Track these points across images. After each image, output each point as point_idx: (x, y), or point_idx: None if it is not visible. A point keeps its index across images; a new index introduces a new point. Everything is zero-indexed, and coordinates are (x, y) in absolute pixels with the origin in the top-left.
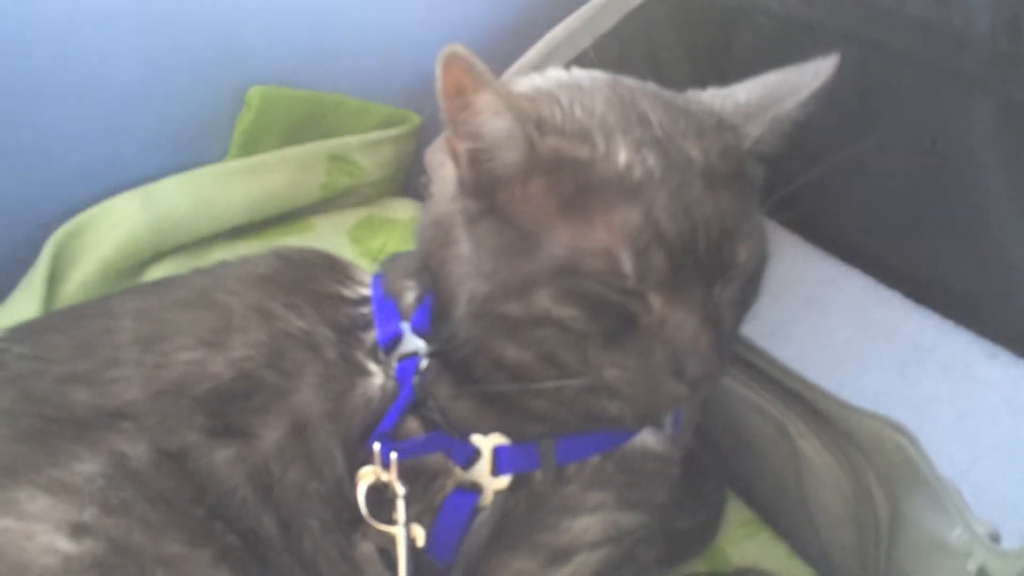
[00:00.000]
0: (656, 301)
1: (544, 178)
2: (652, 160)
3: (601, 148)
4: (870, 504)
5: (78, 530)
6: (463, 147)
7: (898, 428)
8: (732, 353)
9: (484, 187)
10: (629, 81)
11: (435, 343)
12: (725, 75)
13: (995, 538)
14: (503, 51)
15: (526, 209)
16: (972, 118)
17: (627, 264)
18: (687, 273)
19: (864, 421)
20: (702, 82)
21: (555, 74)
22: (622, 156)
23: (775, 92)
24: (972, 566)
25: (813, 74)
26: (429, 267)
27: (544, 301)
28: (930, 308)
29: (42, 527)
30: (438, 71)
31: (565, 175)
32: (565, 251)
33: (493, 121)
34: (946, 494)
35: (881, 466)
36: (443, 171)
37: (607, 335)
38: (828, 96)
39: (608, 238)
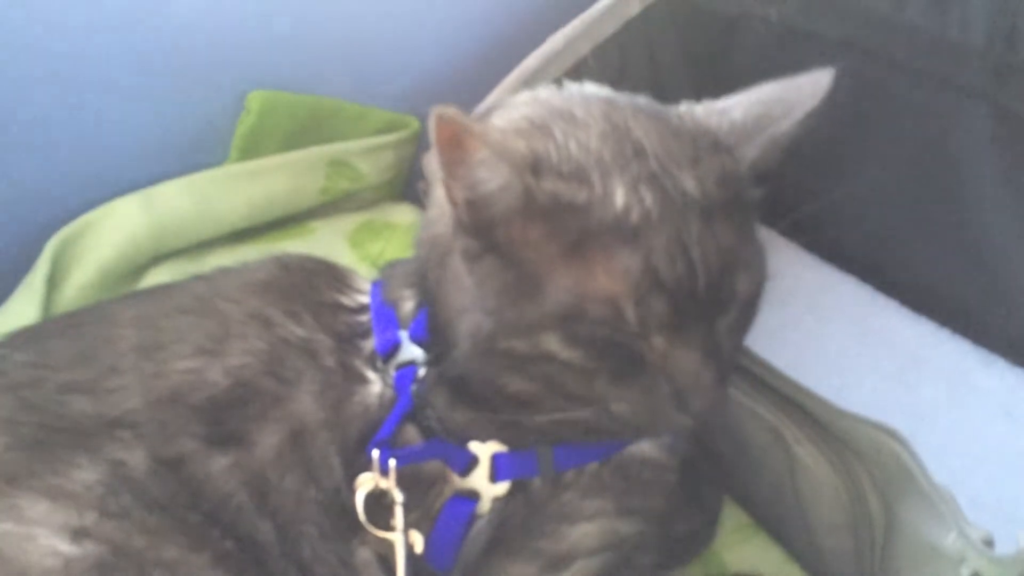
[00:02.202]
0: (658, 341)
1: (543, 223)
2: (649, 199)
3: (599, 189)
4: (866, 510)
5: (78, 533)
6: (461, 196)
7: (893, 434)
8: (732, 375)
9: (484, 229)
10: (623, 101)
11: (432, 353)
12: (724, 83)
13: (989, 544)
14: (502, 58)
15: (527, 252)
16: (969, 127)
17: (629, 311)
18: (688, 313)
19: (860, 427)
20: (701, 89)
21: (547, 97)
22: (619, 197)
23: (771, 110)
24: (966, 572)
25: (810, 91)
26: (426, 283)
27: (551, 344)
28: (927, 316)
29: (43, 531)
30: (431, 129)
31: (564, 220)
32: (569, 297)
33: (489, 174)
34: (941, 500)
35: (877, 472)
36: (440, 191)
37: (613, 372)
38: (825, 104)
39: (610, 285)
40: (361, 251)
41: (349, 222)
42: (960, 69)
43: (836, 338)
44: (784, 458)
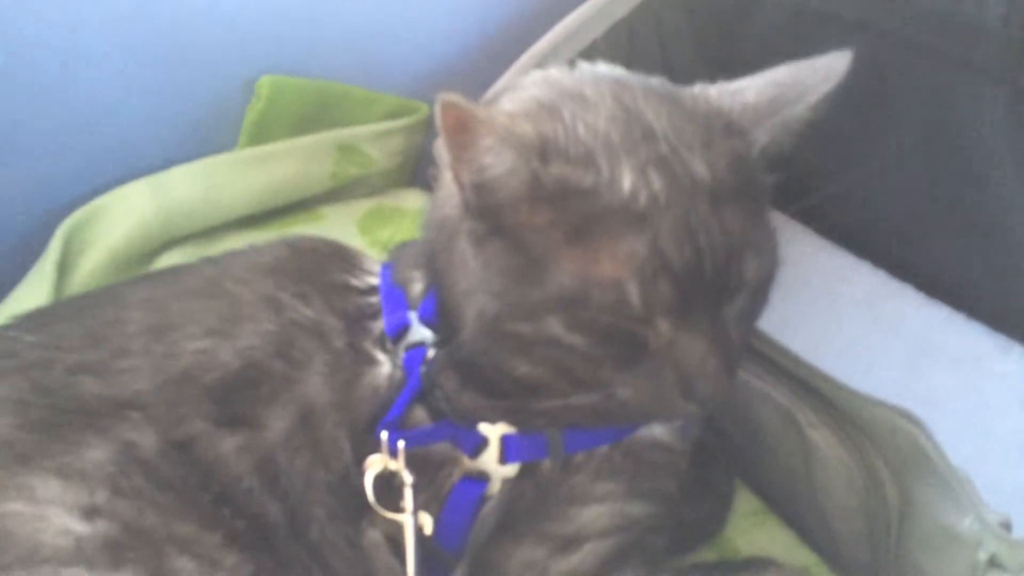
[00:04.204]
0: (664, 326)
1: (549, 207)
2: (657, 183)
3: (605, 173)
4: (881, 494)
5: (90, 512)
6: (468, 180)
7: (910, 417)
8: (741, 363)
9: (490, 212)
10: (634, 82)
11: (441, 335)
12: (736, 66)
13: (1006, 527)
14: (512, 42)
15: (533, 236)
16: (984, 109)
17: (634, 295)
18: (694, 298)
19: (875, 411)
20: (712, 73)
21: (558, 78)
22: (627, 181)
23: (786, 93)
24: (983, 555)
25: (825, 74)
26: (435, 265)
27: (555, 328)
28: (942, 301)
29: (55, 510)
30: (437, 115)
31: (570, 204)
32: (573, 281)
33: (496, 159)
34: (958, 483)
35: (892, 456)
36: (448, 177)
37: (618, 357)
38: (840, 87)
39: (615, 269)
40: (370, 236)
41: (358, 207)
42: (976, 50)
43: (849, 323)
44: (798, 442)
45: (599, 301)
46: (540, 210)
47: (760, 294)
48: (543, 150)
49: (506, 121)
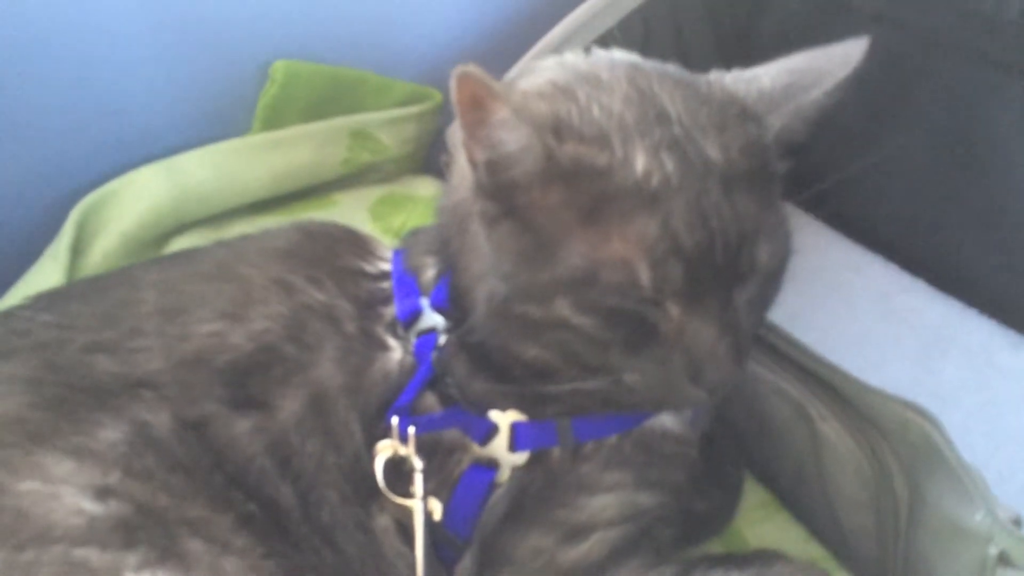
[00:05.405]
0: (674, 309)
1: (562, 187)
2: (670, 165)
3: (619, 154)
4: (890, 488)
5: (103, 492)
6: (481, 157)
7: (921, 412)
8: (751, 351)
9: (503, 192)
10: (649, 67)
11: (452, 321)
12: (751, 55)
13: (1017, 523)
14: (526, 30)
15: (544, 217)
16: (1000, 102)
17: (644, 275)
18: (704, 281)
19: (887, 405)
20: (728, 62)
21: (573, 62)
22: (640, 162)
23: (801, 79)
24: (993, 551)
25: (841, 61)
26: (447, 250)
27: (563, 309)
28: (954, 296)
29: (68, 489)
30: (452, 88)
31: (583, 184)
32: (583, 262)
33: (510, 134)
34: (969, 479)
35: (903, 450)
36: (462, 159)
37: (627, 342)
38: (856, 77)
39: (625, 249)
40: (383, 223)
41: (371, 194)
42: (993, 43)
43: (861, 317)
44: (808, 435)
45: (609, 282)
46: (552, 189)
47: (772, 281)
48: (557, 128)
49: (521, 97)
